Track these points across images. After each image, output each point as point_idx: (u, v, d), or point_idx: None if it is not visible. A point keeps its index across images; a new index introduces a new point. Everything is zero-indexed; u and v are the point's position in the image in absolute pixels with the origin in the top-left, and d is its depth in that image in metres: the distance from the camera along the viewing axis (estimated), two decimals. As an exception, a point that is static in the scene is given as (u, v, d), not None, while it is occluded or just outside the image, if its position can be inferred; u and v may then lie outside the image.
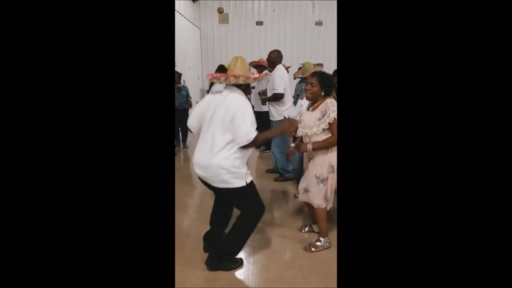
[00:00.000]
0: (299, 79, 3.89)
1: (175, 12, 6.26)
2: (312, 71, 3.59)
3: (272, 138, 3.11)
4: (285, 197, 3.15)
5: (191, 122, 1.90)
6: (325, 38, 9.70)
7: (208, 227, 2.15)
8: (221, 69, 4.10)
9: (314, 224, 2.38)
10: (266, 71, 4.00)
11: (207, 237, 2.12)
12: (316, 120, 1.95)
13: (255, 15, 9.58)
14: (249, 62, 1.93)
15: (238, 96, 1.75)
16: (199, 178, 1.86)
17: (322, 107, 1.95)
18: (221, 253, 1.93)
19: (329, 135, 1.94)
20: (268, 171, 3.92)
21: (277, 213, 2.76)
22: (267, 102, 3.59)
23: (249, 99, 4.95)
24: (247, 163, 1.85)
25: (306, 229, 2.41)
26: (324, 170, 1.98)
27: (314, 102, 2.05)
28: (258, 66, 4.24)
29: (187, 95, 4.90)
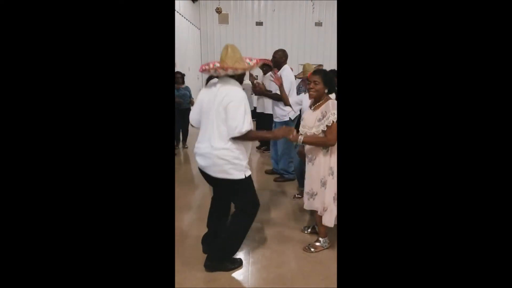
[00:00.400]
0: (300, 79, 3.88)
1: (175, 12, 6.27)
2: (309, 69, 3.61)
3: (266, 139, 3.10)
4: (284, 198, 3.14)
5: (192, 116, 1.92)
6: (325, 39, 9.72)
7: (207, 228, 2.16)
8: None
9: (317, 225, 2.37)
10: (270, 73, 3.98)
11: (205, 239, 2.12)
12: (316, 121, 1.94)
13: (255, 15, 9.60)
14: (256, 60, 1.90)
15: (231, 87, 1.73)
16: (199, 169, 1.86)
17: (323, 108, 1.94)
18: (220, 253, 1.93)
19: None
20: (267, 171, 3.92)
21: (277, 214, 2.76)
22: (272, 104, 3.52)
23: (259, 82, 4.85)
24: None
25: (309, 230, 2.40)
26: (325, 173, 1.98)
27: (317, 100, 2.04)
28: (265, 66, 4.21)
29: (190, 96, 4.91)
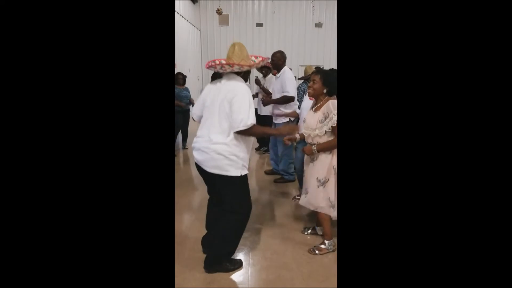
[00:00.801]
0: (302, 81, 3.89)
1: (176, 13, 6.28)
2: (310, 72, 3.61)
3: (270, 135, 3.09)
4: (284, 199, 3.14)
5: (194, 111, 1.92)
6: (325, 40, 9.73)
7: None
8: None
9: (317, 226, 2.37)
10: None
11: (205, 241, 2.11)
12: (318, 122, 1.95)
13: (255, 16, 9.61)
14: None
15: (236, 83, 1.75)
16: (196, 164, 1.86)
17: (324, 109, 1.94)
18: (217, 255, 1.92)
19: (332, 137, 1.94)
20: (267, 172, 3.92)
21: (277, 215, 2.76)
22: (272, 106, 3.50)
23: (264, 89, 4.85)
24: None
25: (309, 231, 2.40)
26: (325, 172, 1.98)
27: (317, 101, 2.05)
28: (264, 68, 4.21)
29: (189, 97, 4.91)
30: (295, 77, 3.76)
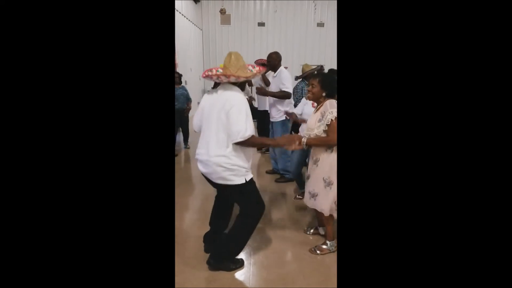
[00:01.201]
0: (299, 80, 3.89)
1: (177, 13, 6.28)
2: (307, 70, 3.64)
3: (269, 146, 3.12)
4: (285, 198, 3.14)
5: (194, 121, 1.93)
6: (327, 39, 9.71)
7: (209, 228, 2.16)
8: None
9: (320, 226, 2.37)
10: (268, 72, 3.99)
11: (207, 238, 2.12)
12: (317, 121, 1.97)
13: (257, 16, 9.60)
14: (254, 61, 1.93)
15: (232, 93, 1.74)
16: (202, 174, 1.87)
17: (322, 109, 1.97)
18: (222, 253, 1.93)
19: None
20: (268, 171, 3.92)
21: (278, 214, 2.76)
22: (268, 103, 3.56)
23: (253, 98, 4.89)
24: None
25: (312, 231, 2.40)
26: (330, 172, 1.98)
27: (317, 103, 2.07)
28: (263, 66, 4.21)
29: (187, 96, 4.91)
30: (295, 76, 3.78)
